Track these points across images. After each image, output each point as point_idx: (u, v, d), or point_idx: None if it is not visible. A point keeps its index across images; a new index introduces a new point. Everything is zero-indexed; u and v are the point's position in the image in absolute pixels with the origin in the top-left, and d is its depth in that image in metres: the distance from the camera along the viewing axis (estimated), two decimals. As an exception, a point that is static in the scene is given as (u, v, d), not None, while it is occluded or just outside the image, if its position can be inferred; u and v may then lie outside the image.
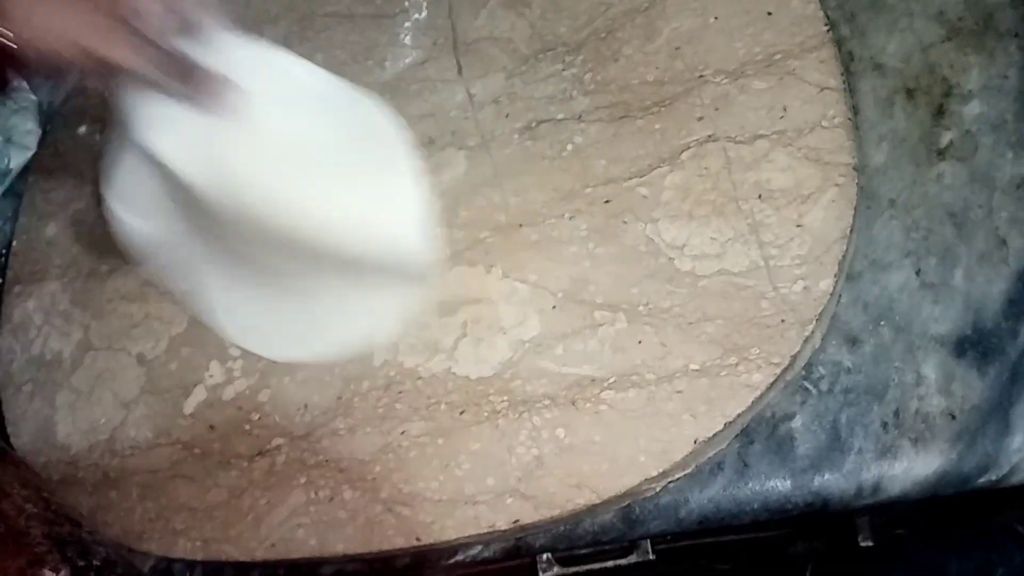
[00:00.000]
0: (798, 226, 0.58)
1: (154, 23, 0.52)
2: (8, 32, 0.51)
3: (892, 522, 0.89)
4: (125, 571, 0.56)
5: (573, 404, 0.57)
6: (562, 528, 0.59)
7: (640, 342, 0.58)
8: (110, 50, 0.51)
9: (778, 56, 0.63)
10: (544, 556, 0.63)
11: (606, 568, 0.70)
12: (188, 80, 0.53)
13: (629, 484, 0.55)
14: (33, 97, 0.82)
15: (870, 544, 0.80)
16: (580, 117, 0.66)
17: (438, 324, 0.62)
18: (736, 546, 0.87)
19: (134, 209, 0.61)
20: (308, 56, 0.74)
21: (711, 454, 0.56)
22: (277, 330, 0.65)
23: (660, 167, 0.62)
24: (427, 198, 0.59)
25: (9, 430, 0.69)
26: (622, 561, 0.68)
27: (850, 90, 0.62)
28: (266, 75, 0.57)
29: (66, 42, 0.51)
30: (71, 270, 0.72)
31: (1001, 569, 1.13)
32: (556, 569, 0.65)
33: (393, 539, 0.57)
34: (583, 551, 0.62)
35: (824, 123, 0.60)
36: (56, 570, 0.49)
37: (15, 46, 0.51)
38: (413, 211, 0.58)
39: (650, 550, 0.67)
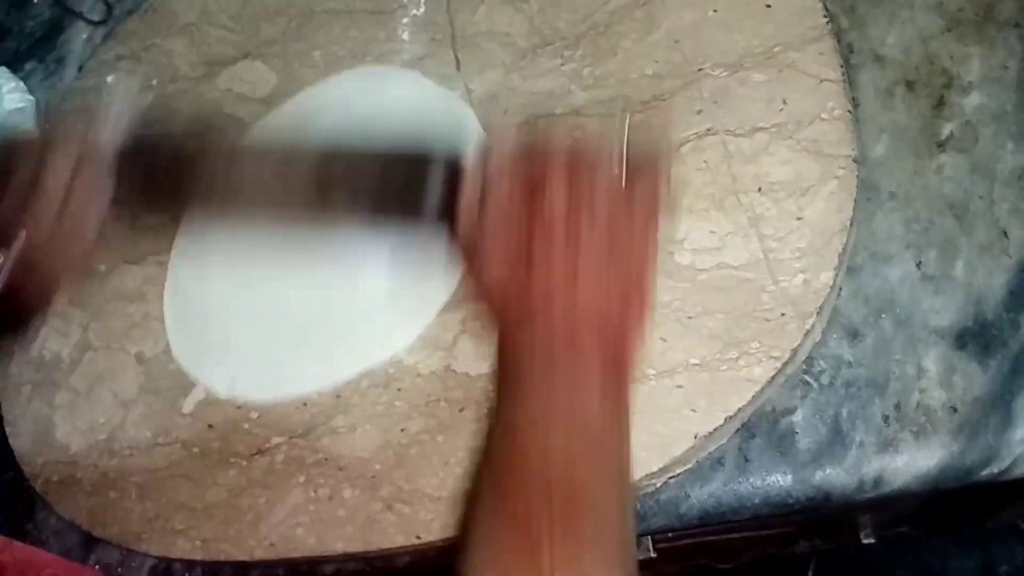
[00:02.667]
0: (798, 219, 0.57)
1: None
2: None
3: (894, 519, 0.89)
4: None
5: (573, 400, 0.57)
6: (563, 524, 0.58)
7: (640, 337, 0.57)
8: None
9: (777, 48, 0.63)
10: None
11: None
12: None
13: (630, 480, 0.54)
14: (31, 98, 0.82)
15: (872, 541, 0.79)
16: (579, 112, 0.65)
17: (437, 321, 0.62)
18: (738, 545, 0.87)
19: None
20: (307, 53, 0.75)
21: (712, 449, 0.56)
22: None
23: (659, 161, 0.62)
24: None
25: (8, 430, 0.68)
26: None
27: (850, 82, 0.62)
28: None
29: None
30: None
31: (1004, 566, 1.13)
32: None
33: (393, 537, 0.57)
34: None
35: (824, 115, 0.60)
36: None
37: None
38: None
39: (651, 547, 0.67)
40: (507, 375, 0.47)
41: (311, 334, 0.64)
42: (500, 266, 0.47)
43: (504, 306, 0.48)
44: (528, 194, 0.48)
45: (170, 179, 0.53)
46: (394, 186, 0.50)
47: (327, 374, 0.62)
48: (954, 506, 0.85)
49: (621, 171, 0.48)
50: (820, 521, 0.82)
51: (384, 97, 0.70)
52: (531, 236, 0.47)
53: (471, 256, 0.48)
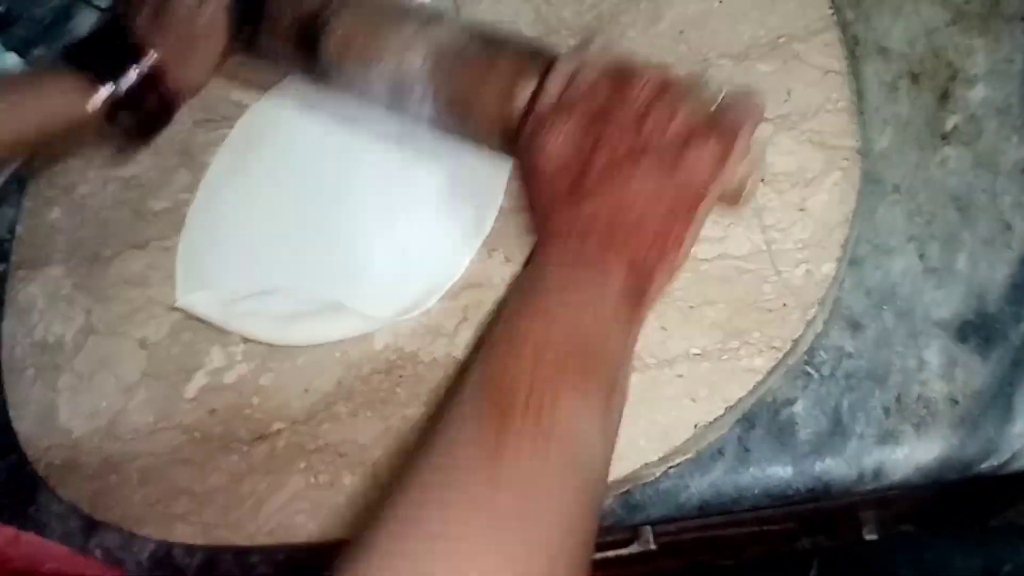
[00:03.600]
0: (801, 210, 0.57)
1: None
2: None
3: (897, 517, 0.88)
4: None
5: (573, 388, 0.57)
6: (562, 513, 0.58)
7: (641, 326, 0.57)
8: None
9: (782, 40, 0.62)
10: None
11: (607, 558, 0.70)
12: None
13: (629, 469, 0.54)
14: (37, 83, 0.82)
15: (875, 538, 0.79)
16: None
17: (439, 308, 0.62)
18: (740, 541, 0.87)
19: None
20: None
21: (712, 439, 0.56)
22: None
23: (663, 152, 0.62)
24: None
25: (11, 414, 0.69)
26: (623, 551, 0.68)
27: (854, 74, 0.61)
28: None
29: None
30: (74, 255, 0.72)
31: (1008, 565, 1.12)
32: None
33: (393, 523, 0.57)
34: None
35: (828, 107, 0.60)
36: None
37: None
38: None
39: (651, 539, 0.67)
40: (532, 259, 0.48)
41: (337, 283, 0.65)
42: (567, 143, 0.48)
43: (553, 188, 0.48)
44: (615, 84, 0.49)
45: (282, 26, 0.61)
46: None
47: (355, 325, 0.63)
48: (957, 504, 0.85)
49: (713, 102, 0.48)
50: (823, 518, 0.82)
51: None
52: (606, 122, 0.47)
53: (539, 131, 0.49)
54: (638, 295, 0.46)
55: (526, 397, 0.39)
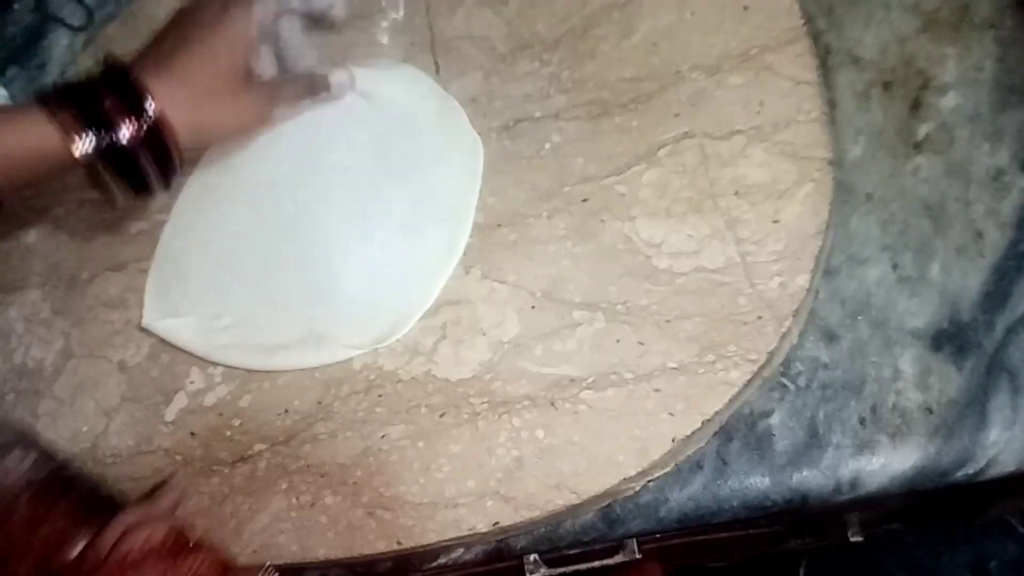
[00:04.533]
0: (775, 222, 0.58)
1: None
2: None
3: (884, 516, 0.89)
4: None
5: (552, 404, 0.57)
6: (543, 529, 0.59)
7: (618, 341, 0.57)
8: None
9: (754, 51, 0.63)
10: (531, 557, 0.63)
11: (593, 568, 0.70)
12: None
13: (608, 484, 0.55)
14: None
15: (860, 539, 0.80)
16: (558, 115, 0.65)
17: (417, 326, 0.62)
18: (728, 544, 0.88)
19: None
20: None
21: (690, 452, 0.56)
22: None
23: (637, 165, 0.62)
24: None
25: (-8, 439, 0.68)
26: (608, 561, 0.69)
27: (827, 84, 0.62)
28: None
29: None
30: (52, 277, 0.72)
31: (993, 561, 1.13)
32: (543, 570, 0.65)
33: (375, 543, 0.57)
34: (569, 552, 0.62)
35: (800, 117, 0.60)
36: None
37: None
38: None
39: (636, 549, 0.67)
40: None
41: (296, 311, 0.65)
42: None
43: None
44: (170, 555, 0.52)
45: None
46: None
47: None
48: (944, 502, 0.86)
49: None
50: (809, 519, 0.82)
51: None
52: None
53: None
54: None
55: None
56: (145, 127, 0.54)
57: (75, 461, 0.65)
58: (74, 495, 0.54)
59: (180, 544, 0.50)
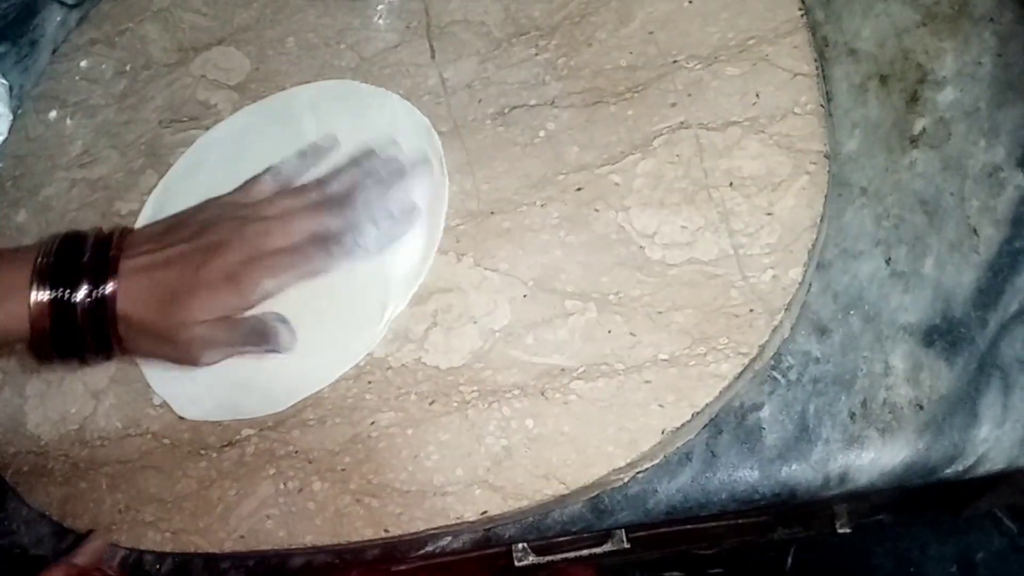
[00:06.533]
0: (768, 214, 0.57)
1: None
2: None
3: (872, 508, 0.89)
4: None
5: (543, 394, 0.57)
6: (531, 519, 0.59)
7: (610, 331, 0.57)
8: None
9: (752, 42, 0.62)
10: (520, 545, 0.63)
11: (581, 556, 0.70)
12: None
13: (597, 474, 0.55)
14: (4, 81, 0.81)
15: (847, 531, 0.80)
16: (553, 103, 0.65)
17: (408, 313, 0.62)
18: (716, 533, 0.88)
19: None
20: (280, 40, 0.74)
21: (679, 444, 0.56)
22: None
23: (632, 154, 0.61)
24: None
25: (-21, 420, 0.68)
26: (597, 550, 0.69)
27: (824, 76, 0.61)
28: None
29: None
30: (41, 258, 0.72)
31: (981, 553, 1.14)
32: (532, 558, 0.65)
33: (362, 530, 0.57)
34: (558, 540, 0.62)
35: (796, 110, 0.60)
36: None
37: None
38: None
39: (624, 538, 0.67)
40: None
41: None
42: None
43: None
44: None
45: None
46: None
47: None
48: (931, 494, 0.86)
49: None
50: (797, 510, 0.82)
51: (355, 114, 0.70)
52: None
53: None
54: None
55: None
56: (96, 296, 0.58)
57: (63, 443, 0.65)
58: None
59: None
